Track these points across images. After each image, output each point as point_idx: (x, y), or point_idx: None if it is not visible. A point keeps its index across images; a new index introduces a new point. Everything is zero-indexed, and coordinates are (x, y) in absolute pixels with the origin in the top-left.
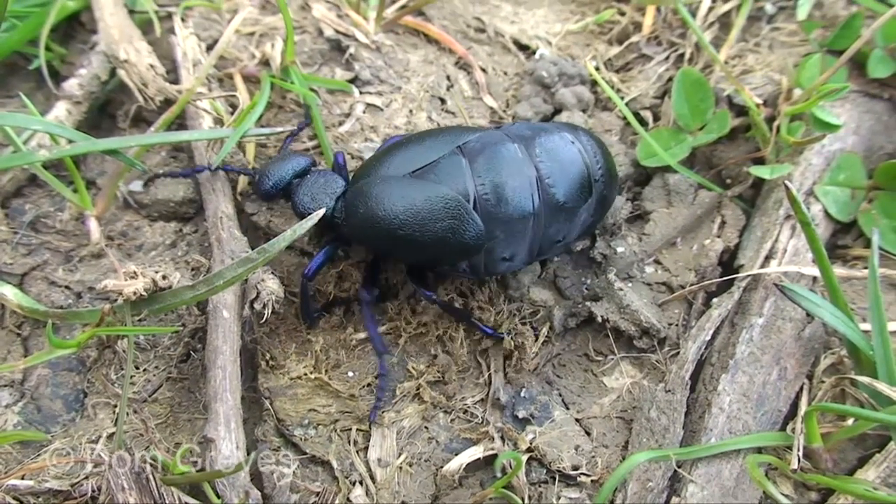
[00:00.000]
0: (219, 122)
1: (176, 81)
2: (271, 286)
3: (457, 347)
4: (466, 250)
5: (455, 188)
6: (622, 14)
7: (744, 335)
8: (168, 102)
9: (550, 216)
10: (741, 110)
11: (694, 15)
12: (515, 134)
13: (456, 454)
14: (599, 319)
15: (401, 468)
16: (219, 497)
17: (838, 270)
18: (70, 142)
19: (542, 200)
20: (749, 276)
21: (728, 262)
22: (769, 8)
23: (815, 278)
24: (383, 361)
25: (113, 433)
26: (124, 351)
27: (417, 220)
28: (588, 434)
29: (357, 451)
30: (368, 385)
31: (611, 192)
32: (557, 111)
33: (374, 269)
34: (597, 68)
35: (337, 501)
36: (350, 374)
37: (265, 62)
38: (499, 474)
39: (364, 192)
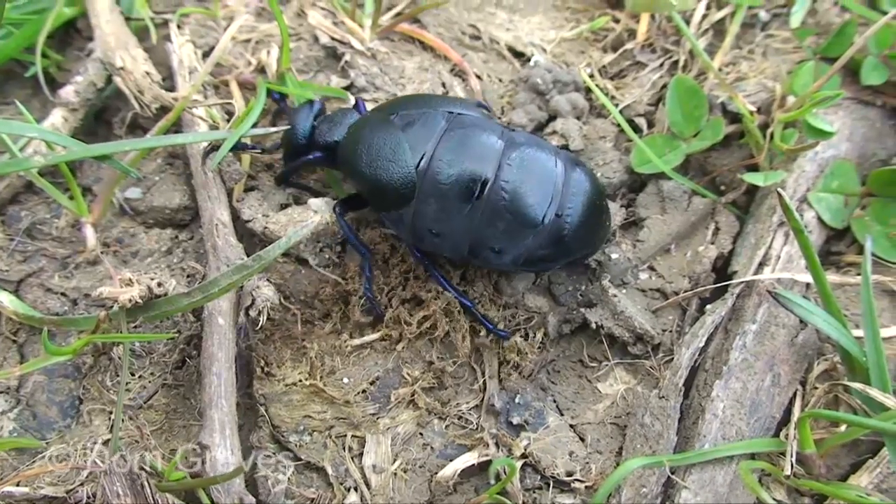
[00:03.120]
0: (214, 128)
1: (172, 88)
2: (266, 293)
3: (452, 353)
4: (396, 194)
5: (416, 141)
6: (616, 21)
7: (737, 341)
8: (164, 109)
9: (490, 218)
10: (735, 117)
11: (688, 22)
12: (510, 135)
13: (450, 460)
14: (594, 326)
15: (395, 474)
16: (213, 503)
17: (831, 277)
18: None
19: (488, 198)
20: (743, 282)
21: (722, 269)
22: (763, 15)
23: (808, 285)
24: (366, 265)
25: (108, 439)
26: (120, 357)
27: (368, 151)
28: (582, 440)
29: (352, 458)
30: (363, 391)
31: (576, 243)
32: (552, 118)
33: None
34: (591, 75)
35: None
36: (345, 380)
37: (261, 69)
38: (493, 481)
39: (357, 123)
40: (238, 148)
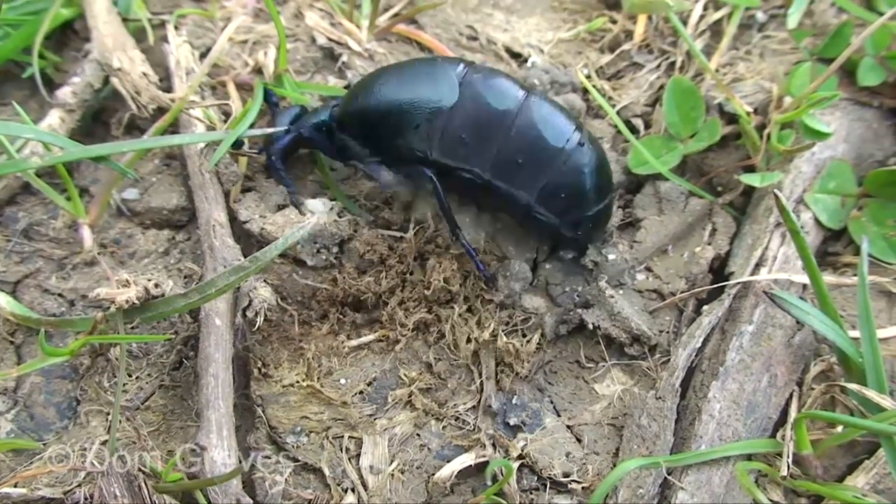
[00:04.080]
0: (211, 129)
1: (169, 89)
2: (263, 294)
3: (449, 355)
4: (435, 103)
5: (448, 64)
6: (614, 22)
7: (734, 342)
8: (161, 110)
9: (520, 130)
10: (732, 118)
11: (685, 23)
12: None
13: (447, 461)
14: (591, 326)
15: (392, 475)
16: None
17: (828, 278)
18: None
19: (521, 110)
20: (739, 283)
21: (719, 270)
22: (760, 16)
23: (805, 286)
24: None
25: (106, 441)
26: (117, 359)
27: (399, 78)
28: (579, 441)
29: (349, 459)
30: (360, 392)
31: (591, 184)
32: None
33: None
34: (588, 76)
35: None
36: (342, 381)
37: (258, 70)
38: (490, 482)
39: (366, 77)
40: (237, 145)
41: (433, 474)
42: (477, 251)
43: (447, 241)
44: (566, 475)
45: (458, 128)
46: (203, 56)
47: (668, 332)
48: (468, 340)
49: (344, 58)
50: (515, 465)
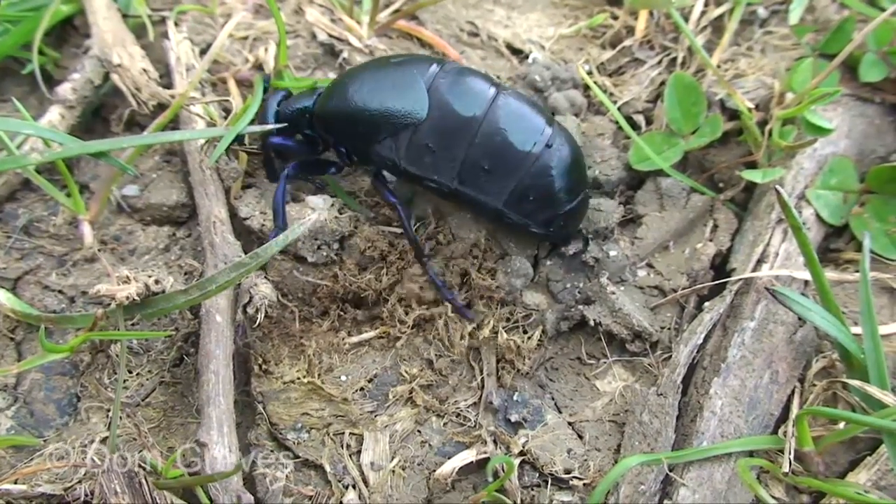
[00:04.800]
0: (212, 126)
1: (169, 86)
2: (264, 290)
3: (450, 351)
4: (405, 115)
5: (418, 68)
6: (615, 18)
7: (735, 339)
8: (161, 107)
9: (487, 134)
10: (733, 114)
11: (686, 19)
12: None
13: (449, 458)
14: (592, 323)
15: (393, 472)
16: (211, 501)
17: (830, 274)
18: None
19: (487, 115)
20: (741, 279)
21: (720, 266)
22: (761, 12)
23: (806, 282)
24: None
25: (106, 437)
26: (117, 355)
27: (373, 83)
28: (580, 437)
29: (350, 455)
30: (361, 389)
31: (561, 184)
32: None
33: (315, 165)
34: (589, 72)
35: None
36: (343, 378)
37: (259, 66)
38: (491, 478)
39: (344, 75)
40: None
41: (434, 471)
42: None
43: (448, 237)
44: (567, 472)
45: (425, 137)
46: (203, 52)
47: (669, 329)
48: (461, 337)
49: (344, 54)
50: (517, 461)
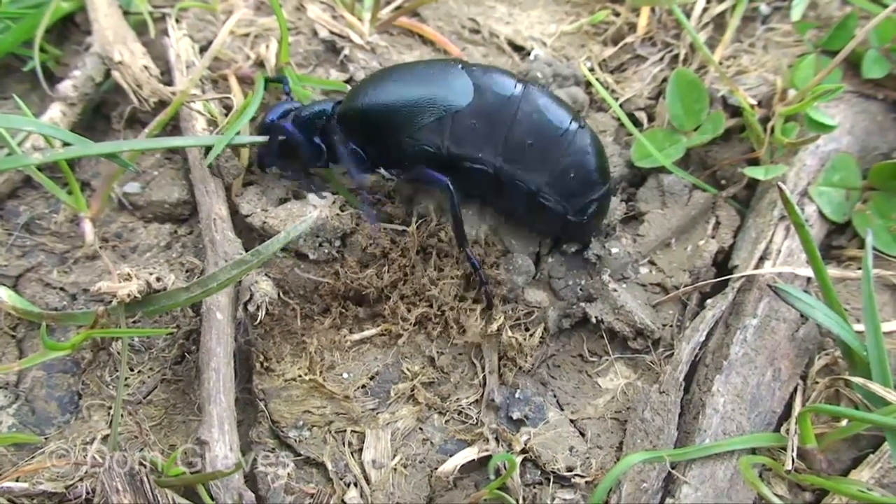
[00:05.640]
0: (213, 123)
1: (170, 83)
2: (265, 288)
3: (451, 348)
4: (454, 101)
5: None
6: (617, 15)
7: (738, 336)
8: (162, 104)
9: (526, 113)
10: (735, 111)
11: (688, 16)
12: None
13: (450, 455)
14: (594, 320)
15: (395, 469)
16: (213, 499)
17: (832, 271)
18: (65, 144)
19: (523, 96)
20: (743, 276)
21: (722, 263)
22: (764, 8)
23: (809, 279)
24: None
25: (107, 435)
26: (118, 353)
27: (410, 75)
28: (582, 435)
29: (351, 453)
30: (363, 387)
31: (596, 164)
32: None
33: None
34: (591, 69)
35: (331, 503)
36: (345, 375)
37: (260, 63)
38: (493, 476)
39: (371, 77)
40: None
41: (436, 469)
42: (481, 264)
43: (450, 234)
44: (569, 469)
45: (469, 117)
46: (204, 49)
47: (671, 326)
48: (470, 334)
49: (346, 51)
50: (518, 459)
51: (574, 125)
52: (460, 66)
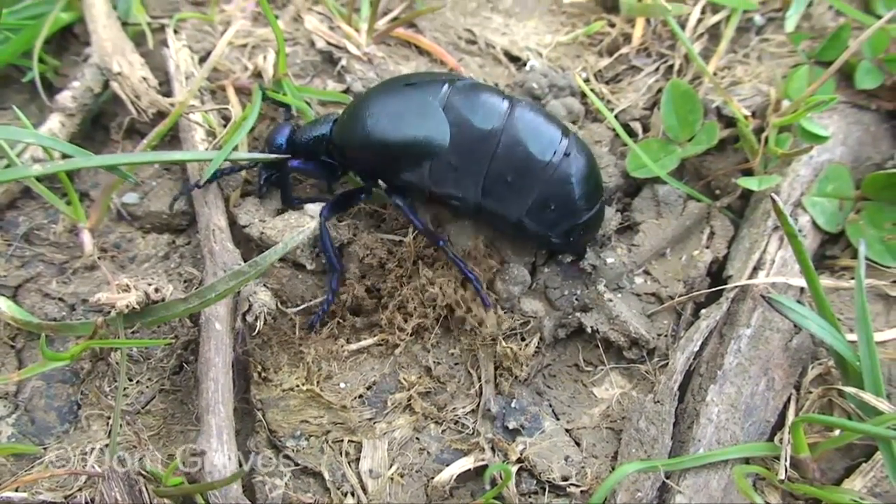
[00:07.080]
0: (211, 134)
1: (169, 94)
2: (263, 298)
3: (448, 358)
4: (429, 148)
5: (430, 91)
6: (612, 26)
7: (732, 346)
8: (161, 115)
9: (508, 146)
10: (730, 121)
11: (683, 27)
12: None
13: (447, 465)
14: (589, 330)
15: (392, 479)
16: None
17: (825, 281)
18: (64, 155)
19: (506, 127)
20: (737, 287)
21: (717, 273)
22: (758, 19)
23: (802, 289)
24: (334, 278)
25: (107, 445)
26: (117, 363)
27: (391, 113)
28: (578, 444)
29: (349, 463)
30: (360, 396)
31: (580, 192)
32: None
33: (343, 200)
34: (586, 80)
35: None
36: (342, 385)
37: (258, 74)
38: (488, 486)
39: (355, 101)
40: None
41: (432, 478)
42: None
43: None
44: (565, 479)
45: (448, 157)
46: (202, 60)
47: (666, 336)
48: (466, 343)
49: (343, 62)
50: (514, 468)
51: (557, 156)
52: (443, 88)
